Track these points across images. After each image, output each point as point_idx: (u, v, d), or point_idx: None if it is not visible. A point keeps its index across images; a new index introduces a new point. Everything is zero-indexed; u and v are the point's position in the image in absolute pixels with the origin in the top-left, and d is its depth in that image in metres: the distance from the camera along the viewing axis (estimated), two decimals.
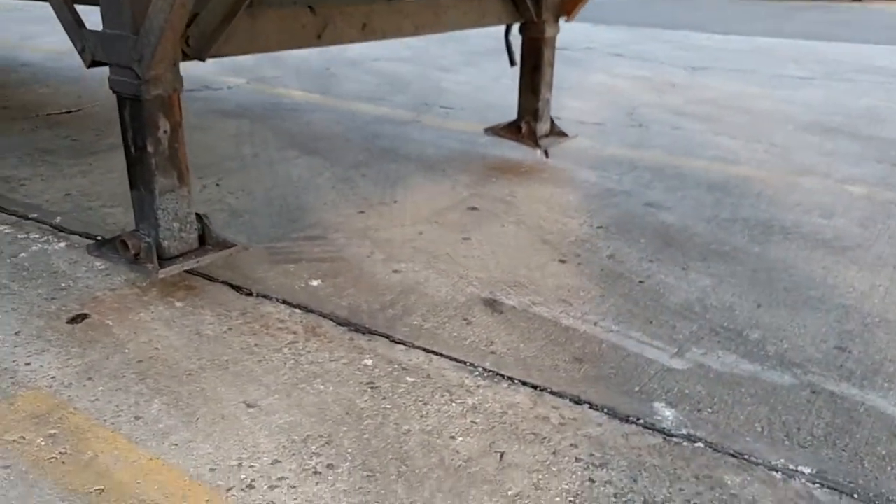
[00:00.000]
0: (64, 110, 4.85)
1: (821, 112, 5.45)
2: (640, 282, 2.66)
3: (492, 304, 2.45)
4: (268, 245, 2.86)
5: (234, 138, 4.33)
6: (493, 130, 4.05)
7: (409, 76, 6.54)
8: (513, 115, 4.06)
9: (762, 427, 1.88)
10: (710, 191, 3.66)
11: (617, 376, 2.08)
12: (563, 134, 4.06)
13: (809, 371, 2.13)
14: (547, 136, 4.00)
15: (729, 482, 1.68)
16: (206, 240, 2.45)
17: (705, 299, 2.54)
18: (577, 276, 2.69)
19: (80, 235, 2.83)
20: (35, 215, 3.02)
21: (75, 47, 2.26)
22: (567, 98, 5.69)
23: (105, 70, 2.23)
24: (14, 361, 2.01)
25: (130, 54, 2.10)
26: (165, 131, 2.22)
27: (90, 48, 2.23)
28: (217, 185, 3.53)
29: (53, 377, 1.94)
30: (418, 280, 2.61)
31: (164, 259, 2.31)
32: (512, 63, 4.10)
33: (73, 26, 2.24)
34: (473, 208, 3.35)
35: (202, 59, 2.32)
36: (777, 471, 1.73)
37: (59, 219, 3.00)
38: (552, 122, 4.04)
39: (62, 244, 2.75)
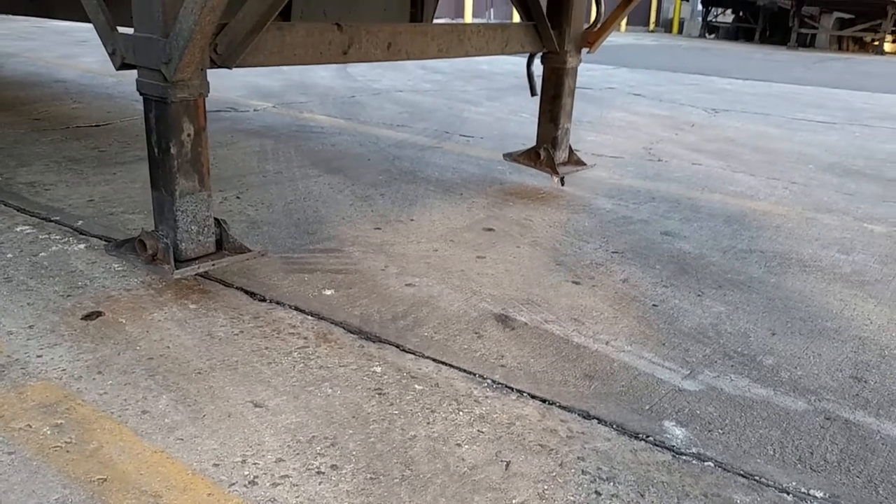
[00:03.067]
0: (93, 124, 4.94)
1: (842, 154, 5.44)
2: (654, 305, 2.65)
3: (503, 320, 2.45)
4: (284, 255, 2.88)
5: (258, 155, 4.38)
6: (512, 157, 4.08)
7: (432, 106, 6.62)
8: (532, 145, 4.09)
9: (774, 450, 1.85)
10: (728, 223, 3.65)
11: (627, 394, 2.05)
12: (580, 163, 4.07)
13: (824, 398, 2.09)
14: (565, 164, 4.02)
15: (738, 501, 1.65)
16: (223, 244, 2.48)
17: (719, 325, 2.51)
18: (590, 297, 2.68)
19: (100, 238, 2.86)
20: (57, 218, 3.07)
21: (106, 50, 2.32)
22: (586, 132, 5.73)
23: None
24: (26, 353, 2.02)
25: (159, 56, 2.14)
26: (189, 135, 2.26)
27: (120, 51, 2.28)
28: (238, 197, 3.57)
29: (64, 370, 1.95)
30: (431, 294, 2.61)
31: (180, 261, 2.33)
32: (533, 93, 4.14)
33: (106, 29, 2.30)
34: (489, 229, 3.36)
35: (229, 67, 2.36)
36: (788, 493, 1.69)
37: (80, 222, 3.04)
38: (570, 150, 4.06)
39: (82, 245, 2.79)
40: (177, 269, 2.28)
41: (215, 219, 2.46)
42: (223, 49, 2.32)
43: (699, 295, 2.76)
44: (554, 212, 3.67)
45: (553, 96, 3.88)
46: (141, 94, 2.26)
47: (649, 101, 7.67)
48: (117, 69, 2.31)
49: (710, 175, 4.61)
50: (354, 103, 6.51)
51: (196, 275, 2.48)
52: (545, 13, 3.70)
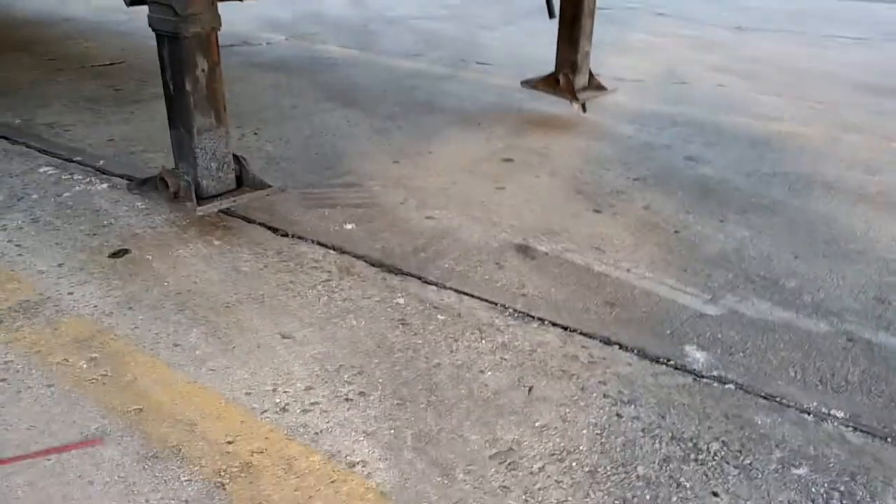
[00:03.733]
0: (108, 62, 4.91)
1: (875, 73, 5.27)
2: (676, 232, 2.63)
3: (524, 250, 2.45)
4: (304, 190, 2.89)
5: (273, 90, 4.35)
6: (530, 84, 4.01)
7: (448, 34, 6.48)
8: (551, 70, 4.00)
9: (795, 372, 1.86)
10: (752, 146, 3.58)
11: (648, 320, 2.07)
12: (601, 87, 3.99)
13: (846, 320, 2.09)
14: (585, 89, 3.94)
15: (759, 422, 1.68)
16: (243, 181, 2.49)
17: (742, 250, 2.50)
18: (611, 226, 2.67)
19: (122, 178, 2.88)
20: (79, 158, 3.09)
21: None
22: (606, 55, 5.58)
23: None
24: (58, 291, 2.07)
25: None
26: (203, 70, 2.25)
27: None
28: (255, 133, 3.56)
29: (95, 306, 2.00)
30: (451, 226, 2.61)
31: (202, 198, 2.35)
32: (551, 15, 4.02)
33: None
34: (508, 159, 3.34)
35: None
36: (809, 413, 1.71)
37: (101, 162, 3.06)
38: (591, 75, 3.98)
39: (104, 185, 2.82)
40: (199, 206, 2.30)
41: (234, 155, 2.47)
42: None
43: (722, 220, 2.74)
44: (574, 139, 3.63)
45: (572, 18, 3.78)
46: (153, 29, 2.24)
47: (673, 21, 7.44)
48: (128, 6, 2.28)
49: (734, 97, 4.51)
50: (368, 32, 6.38)
51: (218, 211, 2.50)
52: None
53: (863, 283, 2.30)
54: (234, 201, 2.40)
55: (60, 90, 4.18)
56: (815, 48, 6.15)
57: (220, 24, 2.26)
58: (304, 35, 6.12)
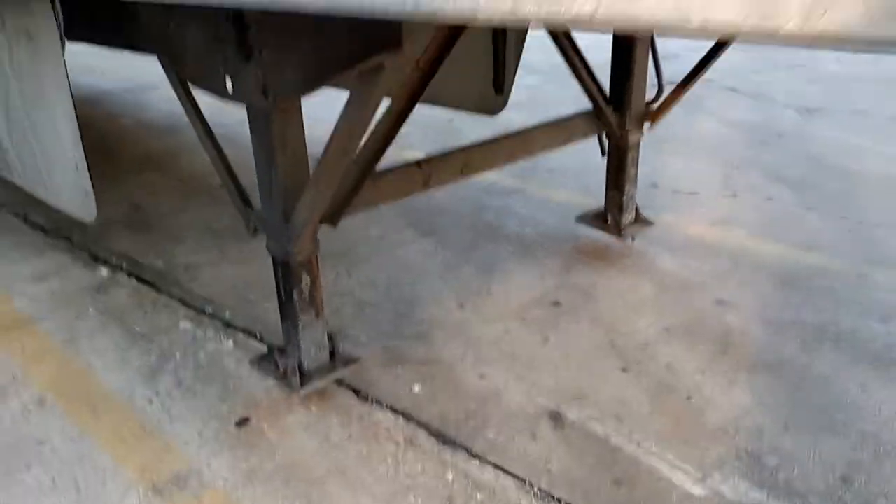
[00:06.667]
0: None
1: None
2: (688, 398, 3.15)
3: (555, 418, 3.04)
4: (384, 343, 3.57)
5: (364, 216, 5.07)
6: (584, 219, 4.57)
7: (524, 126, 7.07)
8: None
9: None
10: (781, 286, 4.01)
11: (647, 500, 2.62)
12: (647, 222, 4.51)
13: (809, 502, 2.57)
14: (631, 224, 4.47)
15: None
16: (335, 355, 3.19)
17: (740, 420, 3.00)
18: (633, 387, 3.21)
19: (245, 333, 3.65)
20: (210, 309, 3.89)
21: (243, 219, 3.04)
22: (670, 156, 6.05)
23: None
24: (198, 462, 2.82)
25: (282, 234, 2.84)
26: (307, 284, 2.96)
27: (253, 222, 3.00)
28: (348, 273, 4.28)
29: (226, 479, 2.74)
30: (498, 387, 3.23)
31: (304, 375, 3.06)
32: (603, 153, 4.58)
33: (241, 206, 3.02)
34: (556, 303, 3.91)
35: (334, 225, 3.03)
36: None
37: (227, 313, 3.85)
38: (637, 211, 4.50)
39: (230, 342, 3.59)
40: (301, 385, 3.01)
41: (329, 334, 3.17)
42: (329, 213, 2.99)
43: (731, 382, 3.23)
44: (617, 277, 4.17)
45: (617, 167, 4.33)
46: (270, 254, 2.97)
47: (741, 100, 7.77)
48: (252, 235, 3.03)
49: (779, 215, 4.91)
50: (453, 130, 7.06)
51: None
52: (608, 97, 4.13)
53: (835, 459, 2.76)
54: (329, 379, 3.10)
55: (191, 220, 5.06)
56: (884, 140, 6.35)
57: (319, 248, 2.97)
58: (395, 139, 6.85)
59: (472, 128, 7.54)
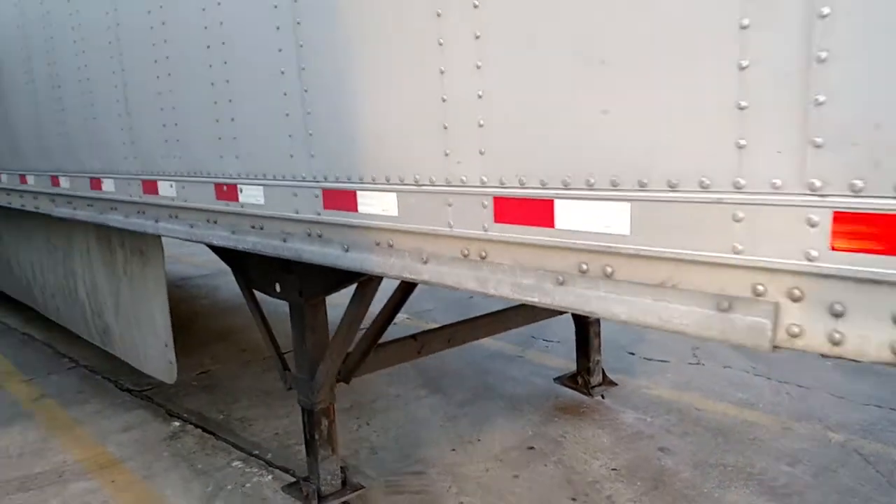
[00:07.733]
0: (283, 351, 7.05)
1: None
2: None
3: None
4: (388, 478, 4.56)
5: (388, 377, 6.21)
6: (561, 381, 5.60)
7: None
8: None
9: None
10: (715, 436, 4.90)
11: None
12: (612, 383, 5.51)
13: None
14: (599, 385, 5.48)
15: None
16: (346, 482, 4.21)
17: None
18: None
19: (280, 469, 4.71)
20: (257, 452, 4.97)
21: (283, 382, 4.22)
22: (650, 331, 7.08)
23: None
24: None
25: (308, 388, 3.99)
26: (325, 426, 4.06)
27: (289, 381, 4.17)
28: (367, 424, 5.35)
29: None
30: None
31: (321, 498, 4.08)
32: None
33: (281, 370, 4.21)
34: (531, 448, 4.88)
35: (347, 382, 4.17)
36: None
37: (269, 455, 4.93)
38: (604, 374, 5.52)
39: (269, 476, 4.64)
40: None
41: (341, 467, 4.21)
42: (343, 373, 4.14)
43: None
44: (585, 428, 5.12)
45: (583, 339, 5.41)
46: (299, 404, 4.11)
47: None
48: (287, 390, 4.19)
49: (731, 382, 5.84)
50: (472, 304, 8.28)
51: None
52: None
53: None
54: (339, 500, 4.11)
55: (247, 384, 6.26)
56: None
57: (335, 398, 4.09)
58: (420, 313, 8.11)
59: (488, 304, 8.76)
